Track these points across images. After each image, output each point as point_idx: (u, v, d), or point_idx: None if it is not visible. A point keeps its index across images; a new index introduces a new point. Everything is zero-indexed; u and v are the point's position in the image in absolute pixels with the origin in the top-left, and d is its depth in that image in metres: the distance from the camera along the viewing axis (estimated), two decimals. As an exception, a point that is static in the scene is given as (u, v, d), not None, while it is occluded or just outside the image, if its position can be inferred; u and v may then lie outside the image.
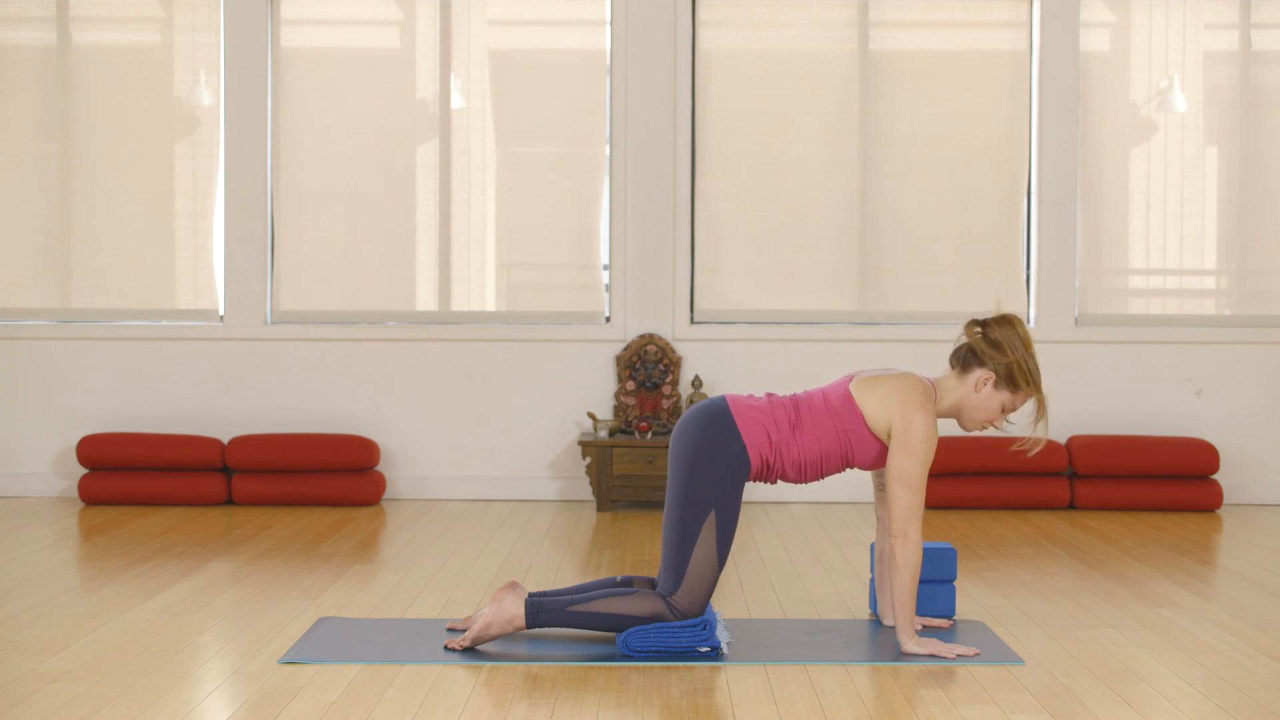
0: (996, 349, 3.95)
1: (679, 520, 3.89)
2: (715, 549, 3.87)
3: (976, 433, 4.13)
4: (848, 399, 3.95)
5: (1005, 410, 4.00)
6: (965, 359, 4.00)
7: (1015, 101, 7.10)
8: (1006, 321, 3.99)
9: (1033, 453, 4.06)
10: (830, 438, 3.94)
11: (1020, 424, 4.29)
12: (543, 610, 3.91)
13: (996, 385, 3.96)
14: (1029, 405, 4.09)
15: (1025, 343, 3.97)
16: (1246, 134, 7.10)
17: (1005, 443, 6.73)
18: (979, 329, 4.00)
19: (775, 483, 4.03)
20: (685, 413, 4.06)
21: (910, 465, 3.88)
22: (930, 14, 7.12)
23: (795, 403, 3.99)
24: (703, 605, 3.89)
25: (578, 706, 3.41)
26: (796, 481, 4.02)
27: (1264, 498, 7.01)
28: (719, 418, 3.93)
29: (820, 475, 4.01)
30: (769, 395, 4.03)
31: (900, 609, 3.91)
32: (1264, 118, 7.12)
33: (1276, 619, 4.41)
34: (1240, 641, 4.10)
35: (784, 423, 3.94)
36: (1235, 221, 7.12)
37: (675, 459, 3.95)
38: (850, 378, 4.02)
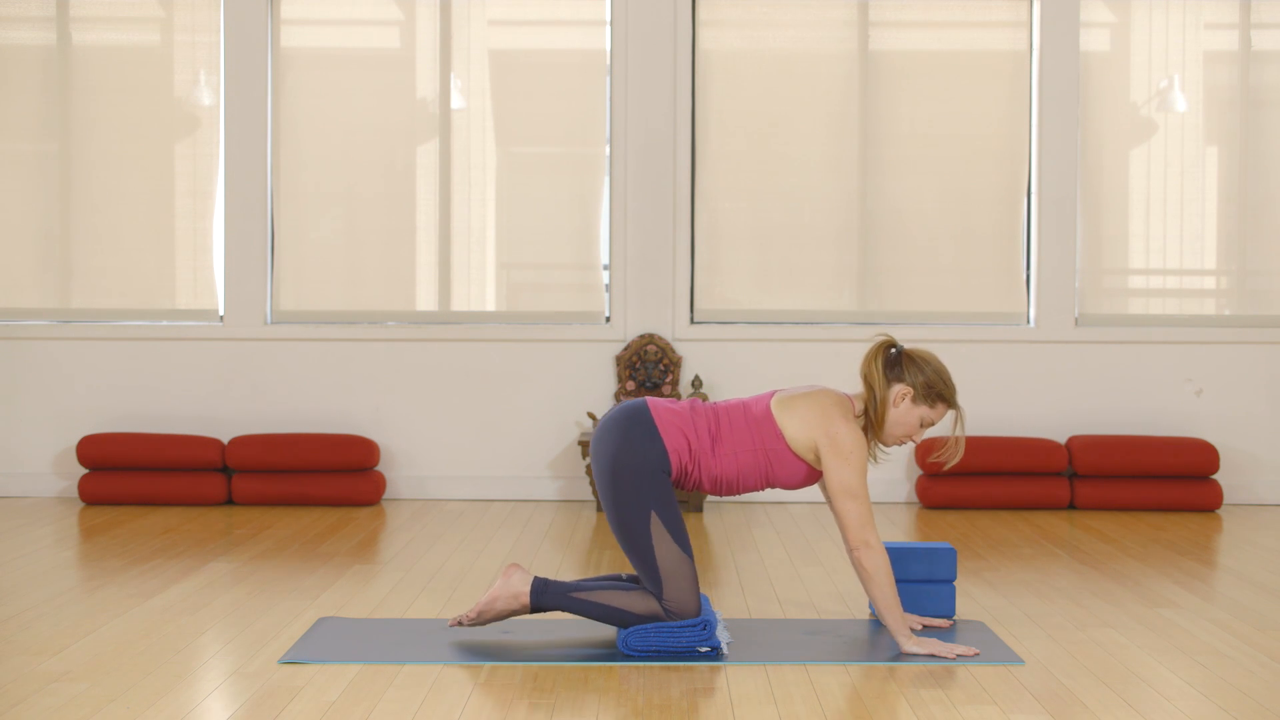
0: (914, 364, 3.99)
1: (626, 531, 3.89)
2: (674, 544, 3.87)
3: (894, 447, 4.16)
4: (768, 416, 3.96)
5: (924, 424, 4.02)
6: (884, 374, 4.00)
7: (1015, 101, 7.11)
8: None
9: (950, 464, 4.11)
10: (748, 456, 3.95)
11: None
12: (548, 591, 3.93)
13: (915, 400, 3.99)
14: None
15: (937, 360, 4.03)
16: (1246, 134, 7.10)
17: (1006, 443, 6.73)
18: (894, 348, 4.03)
19: (692, 490, 4.04)
20: (604, 417, 4.05)
21: (848, 474, 3.89)
22: (930, 14, 7.12)
23: (716, 413, 3.99)
24: (693, 603, 3.89)
25: (578, 706, 3.41)
26: (713, 493, 4.04)
27: (1264, 498, 7.01)
28: (639, 420, 3.93)
29: (737, 492, 4.03)
30: (691, 401, 4.04)
31: (887, 613, 3.91)
32: (1264, 118, 7.12)
33: (1276, 619, 4.41)
34: (1240, 641, 4.10)
35: (704, 432, 3.94)
36: (1235, 221, 7.12)
37: (598, 465, 3.95)
38: (773, 394, 4.03)
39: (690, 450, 3.92)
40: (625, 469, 3.89)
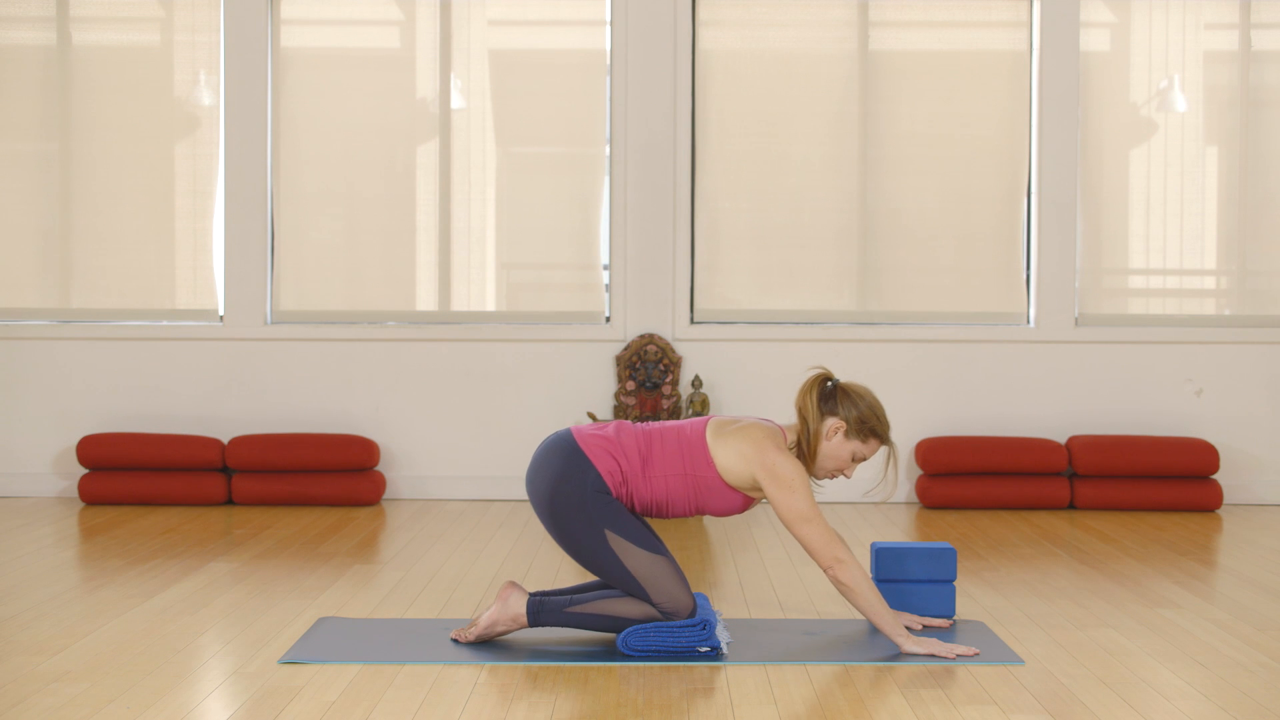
0: (848, 398, 3.99)
1: (588, 558, 3.89)
2: (641, 551, 3.87)
3: (826, 481, 4.17)
4: (701, 442, 3.95)
5: (856, 459, 4.03)
6: (818, 407, 4.00)
7: (1015, 101, 7.11)
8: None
9: (884, 500, 4.10)
10: (677, 480, 3.95)
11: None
12: (544, 609, 3.95)
13: (847, 434, 3.99)
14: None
15: (872, 396, 4.03)
16: (1246, 134, 7.10)
17: (1005, 442, 6.74)
18: (829, 381, 4.03)
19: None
20: (534, 454, 4.04)
21: (796, 501, 3.89)
22: (930, 14, 7.12)
23: (649, 434, 3.99)
24: (685, 597, 3.89)
25: (578, 706, 3.41)
26: (644, 515, 4.04)
27: (1264, 498, 7.01)
28: (566, 450, 3.93)
29: (666, 516, 4.03)
30: (618, 423, 4.03)
31: (877, 619, 3.92)
32: (1264, 118, 7.12)
33: (1276, 619, 4.41)
34: (1240, 641, 4.10)
35: (633, 453, 3.94)
36: (1235, 221, 7.12)
37: (538, 504, 3.94)
38: (710, 419, 4.03)
39: (621, 472, 3.92)
40: (563, 499, 3.88)
